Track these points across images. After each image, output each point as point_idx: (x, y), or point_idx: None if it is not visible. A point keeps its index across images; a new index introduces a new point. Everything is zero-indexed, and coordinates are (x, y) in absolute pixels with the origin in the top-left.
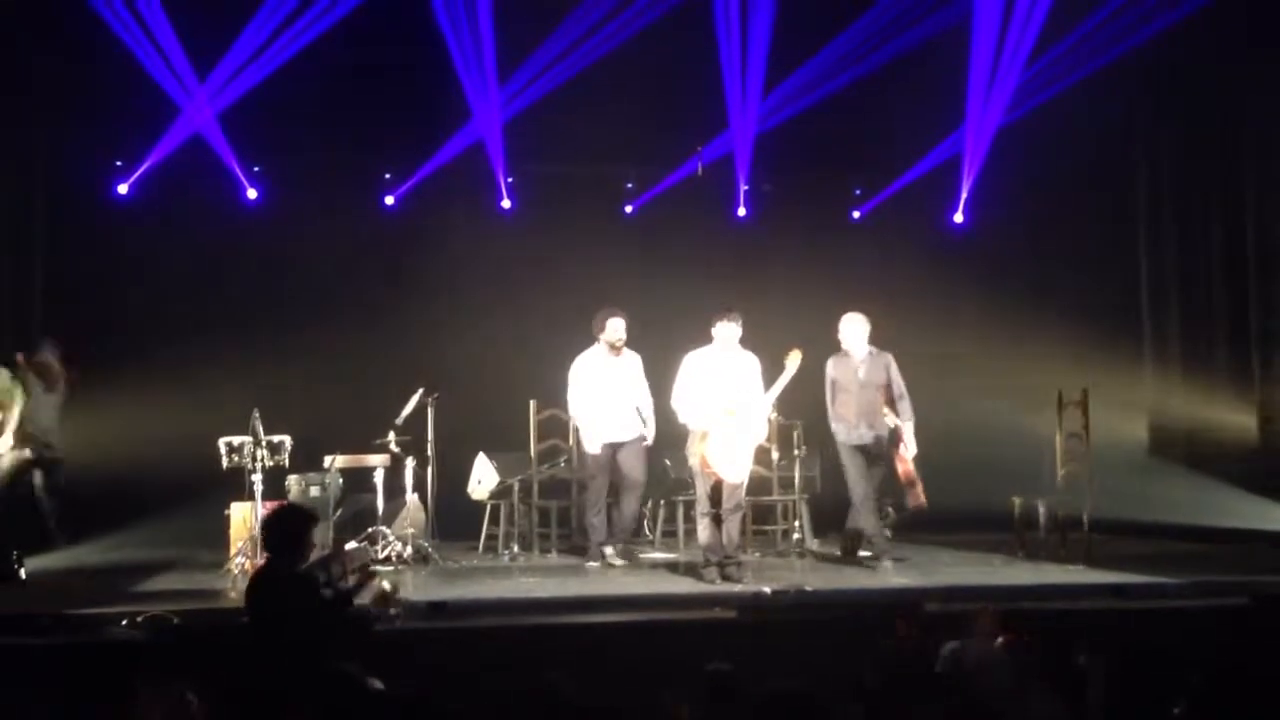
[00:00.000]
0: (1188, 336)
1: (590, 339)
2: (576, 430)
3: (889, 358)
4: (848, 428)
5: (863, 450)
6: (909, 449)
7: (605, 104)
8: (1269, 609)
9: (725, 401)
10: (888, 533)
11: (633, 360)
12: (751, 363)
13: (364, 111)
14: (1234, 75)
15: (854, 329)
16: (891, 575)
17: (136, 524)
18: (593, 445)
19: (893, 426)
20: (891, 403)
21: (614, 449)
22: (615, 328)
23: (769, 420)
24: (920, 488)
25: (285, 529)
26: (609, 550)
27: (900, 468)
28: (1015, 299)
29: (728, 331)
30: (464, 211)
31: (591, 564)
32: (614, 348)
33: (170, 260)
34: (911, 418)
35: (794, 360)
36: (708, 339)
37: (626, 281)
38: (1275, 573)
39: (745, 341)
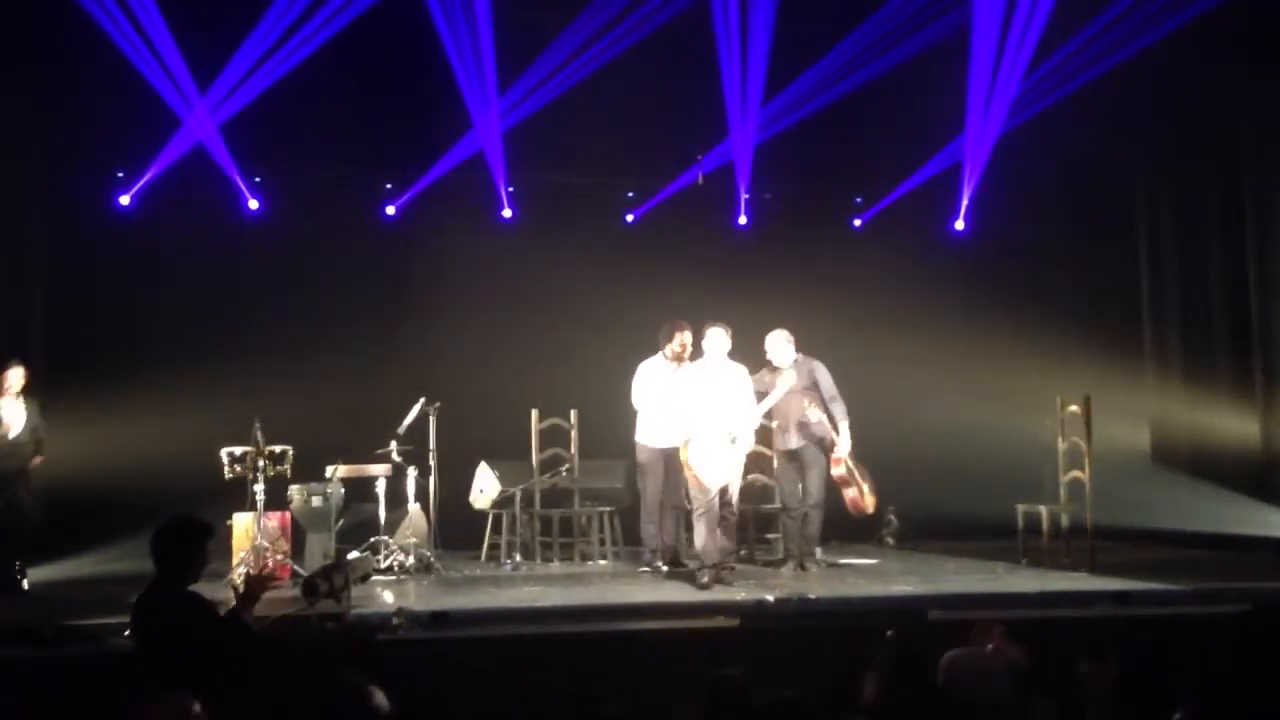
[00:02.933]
0: (1189, 342)
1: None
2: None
3: (815, 363)
4: (780, 434)
5: (793, 456)
6: (842, 447)
7: (605, 113)
8: (1272, 616)
9: (720, 423)
10: (892, 541)
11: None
12: (741, 375)
13: (365, 122)
14: (1232, 82)
15: (779, 344)
16: (895, 583)
17: (139, 534)
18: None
19: (817, 423)
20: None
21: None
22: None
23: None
24: (857, 491)
25: (177, 544)
26: (660, 564)
27: (833, 470)
28: (1016, 306)
29: (721, 341)
30: (465, 221)
31: (643, 570)
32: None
33: (172, 271)
34: (845, 418)
35: (786, 380)
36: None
37: (627, 290)
38: (1279, 579)
39: (747, 350)
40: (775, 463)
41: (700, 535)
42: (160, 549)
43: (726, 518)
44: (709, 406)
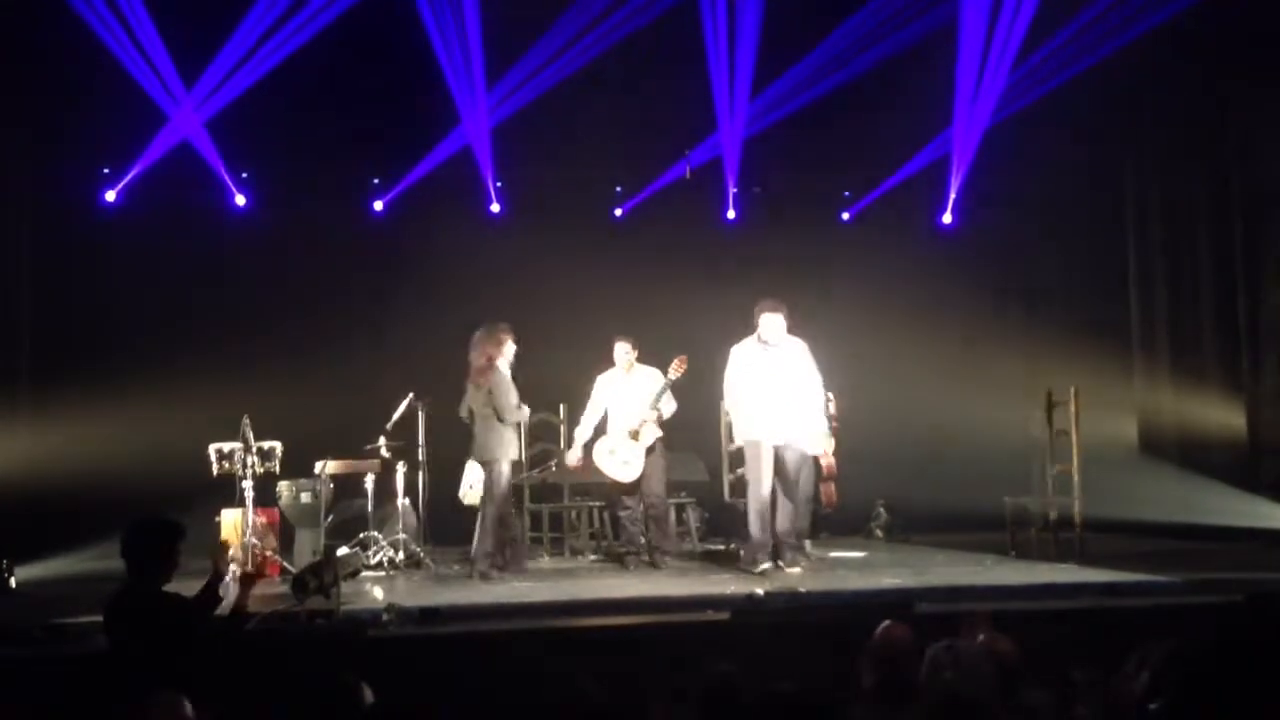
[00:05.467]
0: (1176, 334)
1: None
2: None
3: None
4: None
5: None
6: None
7: (593, 108)
8: (1261, 606)
9: (625, 421)
10: (881, 533)
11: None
12: (653, 376)
13: (352, 117)
14: (1220, 75)
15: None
16: (884, 575)
17: None
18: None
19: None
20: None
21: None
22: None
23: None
24: (834, 483)
25: (146, 543)
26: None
27: (823, 461)
28: (1004, 299)
29: (623, 354)
30: (453, 216)
31: (761, 569)
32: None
33: (159, 267)
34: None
35: (674, 368)
36: (700, 340)
37: (616, 285)
38: (1267, 570)
39: (736, 342)
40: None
41: (625, 528)
42: (129, 549)
43: (655, 506)
44: (619, 407)
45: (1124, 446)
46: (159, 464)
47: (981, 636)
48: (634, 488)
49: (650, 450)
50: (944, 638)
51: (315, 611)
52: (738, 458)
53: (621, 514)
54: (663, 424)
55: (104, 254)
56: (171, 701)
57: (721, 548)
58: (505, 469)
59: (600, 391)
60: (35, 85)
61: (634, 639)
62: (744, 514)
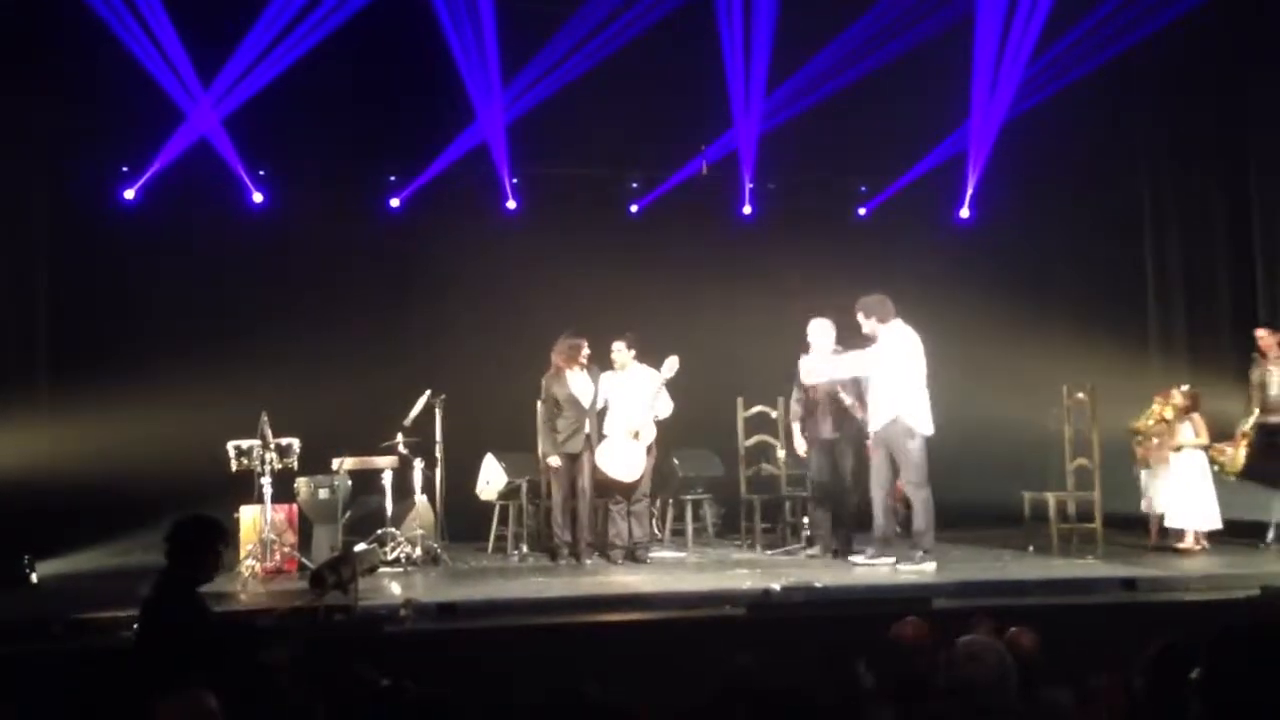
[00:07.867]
0: (1194, 329)
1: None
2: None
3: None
4: (814, 423)
5: (827, 446)
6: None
7: (609, 104)
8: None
9: (624, 422)
10: (899, 529)
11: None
12: (650, 376)
13: (368, 114)
14: (1238, 68)
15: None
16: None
17: (146, 528)
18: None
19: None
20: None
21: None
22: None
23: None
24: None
25: (189, 540)
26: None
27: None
28: (1021, 294)
29: (621, 353)
30: (469, 213)
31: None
32: None
33: (177, 265)
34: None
35: (668, 367)
36: (715, 336)
37: (632, 282)
38: None
39: (752, 338)
40: (804, 452)
41: (617, 520)
42: (172, 543)
43: (639, 501)
44: (618, 406)
45: None
46: (178, 461)
47: (1012, 630)
48: (630, 486)
49: (648, 451)
50: (961, 633)
51: (333, 607)
52: (754, 454)
53: (613, 508)
54: (658, 423)
55: (123, 251)
56: (197, 697)
57: (738, 544)
58: (551, 462)
59: (602, 390)
60: (53, 84)
61: (650, 634)
62: (815, 510)
